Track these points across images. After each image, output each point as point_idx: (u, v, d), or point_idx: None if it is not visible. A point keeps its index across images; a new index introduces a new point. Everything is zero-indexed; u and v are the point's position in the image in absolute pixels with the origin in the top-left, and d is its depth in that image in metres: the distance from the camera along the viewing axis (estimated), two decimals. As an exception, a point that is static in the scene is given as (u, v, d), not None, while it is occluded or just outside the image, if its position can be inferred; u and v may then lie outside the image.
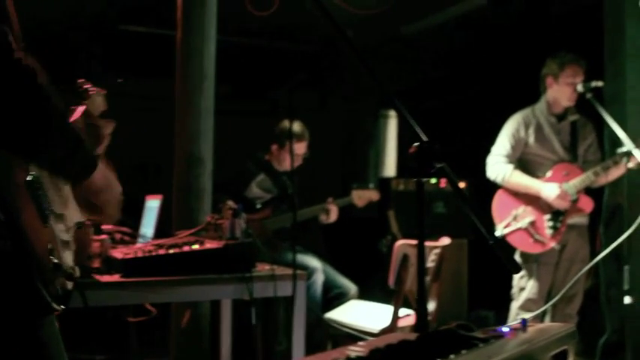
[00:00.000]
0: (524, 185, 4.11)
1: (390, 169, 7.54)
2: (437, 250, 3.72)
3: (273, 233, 4.42)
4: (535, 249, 4.09)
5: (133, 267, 2.51)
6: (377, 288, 4.74)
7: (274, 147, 4.61)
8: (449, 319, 5.45)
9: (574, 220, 4.12)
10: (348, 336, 3.63)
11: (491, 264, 4.45)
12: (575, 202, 4.05)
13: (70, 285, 1.49)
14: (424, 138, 1.50)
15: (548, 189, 4.02)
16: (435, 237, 3.89)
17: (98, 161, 1.58)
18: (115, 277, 2.50)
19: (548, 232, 4.07)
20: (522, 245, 4.11)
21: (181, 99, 3.79)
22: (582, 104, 4.07)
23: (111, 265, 2.59)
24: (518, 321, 1.20)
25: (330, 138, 7.33)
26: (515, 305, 4.26)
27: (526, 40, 5.89)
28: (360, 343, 1.02)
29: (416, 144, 1.50)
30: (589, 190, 4.19)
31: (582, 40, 4.91)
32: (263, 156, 4.66)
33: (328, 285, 4.35)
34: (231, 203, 4.21)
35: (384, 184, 6.07)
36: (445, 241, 3.80)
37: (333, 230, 4.95)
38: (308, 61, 7.14)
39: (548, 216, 4.08)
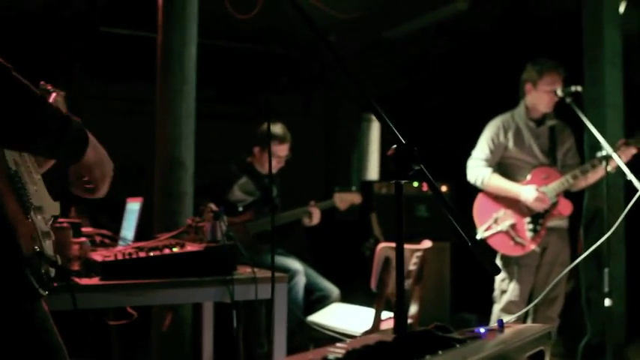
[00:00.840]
0: (503, 188, 4.15)
1: (372, 172, 7.56)
2: (419, 253, 3.73)
3: (255, 236, 4.41)
4: (516, 251, 4.13)
5: (112, 270, 2.49)
6: (360, 291, 4.74)
7: (256, 149, 4.61)
8: (431, 321, 5.45)
9: (554, 222, 4.16)
10: (331, 339, 3.63)
11: (473, 267, 4.47)
12: (554, 205, 4.10)
13: (52, 272, 1.58)
14: (402, 140, 1.50)
15: (527, 192, 4.06)
16: (417, 240, 3.90)
17: (88, 137, 1.58)
18: (95, 280, 2.48)
19: (529, 234, 4.11)
20: (503, 248, 4.14)
21: (162, 102, 3.78)
22: (562, 108, 4.11)
23: (90, 267, 2.57)
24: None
25: (313, 141, 7.34)
26: (496, 308, 4.28)
27: (506, 45, 5.93)
28: (338, 344, 1.02)
29: (394, 146, 1.50)
30: (568, 194, 4.23)
31: (562, 45, 4.96)
32: (245, 158, 4.65)
33: (310, 288, 4.35)
34: (212, 206, 4.22)
35: (366, 187, 6.09)
36: (427, 244, 3.81)
37: (316, 233, 4.96)
38: (291, 64, 7.15)
39: (528, 219, 4.12)
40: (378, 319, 3.59)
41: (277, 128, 4.55)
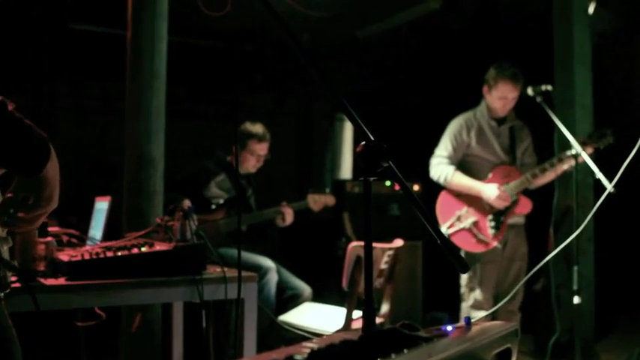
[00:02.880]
0: (466, 186, 4.22)
1: (345, 171, 7.56)
2: (390, 252, 3.73)
3: (227, 235, 4.38)
4: (478, 248, 4.21)
5: (79, 270, 2.45)
6: (332, 290, 4.73)
7: (235, 148, 4.57)
8: (403, 320, 5.47)
9: (512, 219, 4.26)
10: (302, 339, 3.61)
11: (445, 265, 4.49)
12: (515, 203, 4.18)
13: (10, 275, 1.57)
14: (371, 137, 1.49)
15: (489, 190, 4.13)
16: (389, 239, 3.90)
17: (51, 151, 1.54)
18: (61, 281, 2.43)
19: (491, 232, 4.19)
20: (466, 245, 4.21)
21: (131, 99, 3.73)
22: (532, 107, 4.14)
23: (56, 267, 2.52)
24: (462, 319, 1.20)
25: (286, 140, 7.32)
26: (465, 305, 4.34)
27: (478, 44, 5.97)
28: (304, 343, 1.00)
29: (363, 143, 1.49)
30: (539, 193, 4.28)
31: (532, 45, 5.00)
32: (225, 157, 4.61)
33: (282, 286, 4.33)
34: (187, 202, 4.17)
35: (339, 186, 6.08)
36: (398, 242, 3.81)
37: (288, 232, 4.94)
38: (265, 62, 7.12)
39: (490, 216, 4.21)
40: (349, 318, 3.58)
41: (257, 127, 4.54)
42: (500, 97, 4.19)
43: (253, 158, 4.55)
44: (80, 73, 6.34)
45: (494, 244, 4.17)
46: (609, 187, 3.19)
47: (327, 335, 2.01)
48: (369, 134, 1.50)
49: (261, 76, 7.24)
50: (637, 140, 3.16)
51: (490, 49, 5.64)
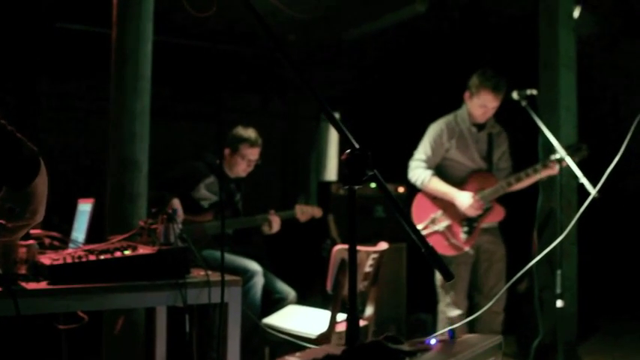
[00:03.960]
0: (441, 191, 4.30)
1: (331, 173, 7.55)
2: (375, 255, 3.73)
3: (213, 237, 4.36)
4: (450, 252, 4.30)
5: (61, 273, 2.42)
6: (317, 293, 4.73)
7: (226, 151, 4.55)
8: (387, 322, 5.50)
9: (485, 224, 4.34)
10: (286, 342, 3.60)
11: (429, 268, 4.53)
12: (488, 210, 4.27)
13: None
14: (356, 145, 1.49)
15: (462, 198, 4.21)
16: (374, 241, 3.90)
17: (41, 165, 1.52)
18: (42, 285, 2.40)
19: (463, 236, 4.29)
20: (438, 248, 4.33)
21: (116, 100, 3.70)
22: (517, 111, 4.16)
23: (38, 271, 2.50)
24: (446, 332, 1.20)
25: (271, 141, 7.29)
26: (441, 305, 4.44)
27: (464, 47, 5.98)
28: (286, 357, 0.99)
29: (348, 151, 1.48)
30: (523, 195, 4.32)
31: (517, 49, 5.02)
32: (215, 159, 4.59)
33: (267, 289, 4.32)
34: (176, 201, 4.15)
35: (324, 188, 6.07)
36: (383, 245, 3.81)
37: (273, 235, 4.92)
38: (250, 63, 7.09)
39: (463, 222, 4.29)
40: (333, 322, 3.58)
41: (249, 132, 4.53)
42: (481, 105, 4.24)
43: (244, 162, 4.53)
44: (66, 72, 6.28)
45: (466, 248, 4.27)
46: (593, 192, 3.22)
47: (310, 349, 1.99)
48: (354, 142, 1.49)
49: (246, 76, 7.22)
50: (621, 143, 3.19)
51: (475, 51, 5.66)
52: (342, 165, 1.45)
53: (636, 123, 2.88)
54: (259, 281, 4.21)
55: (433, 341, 1.13)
